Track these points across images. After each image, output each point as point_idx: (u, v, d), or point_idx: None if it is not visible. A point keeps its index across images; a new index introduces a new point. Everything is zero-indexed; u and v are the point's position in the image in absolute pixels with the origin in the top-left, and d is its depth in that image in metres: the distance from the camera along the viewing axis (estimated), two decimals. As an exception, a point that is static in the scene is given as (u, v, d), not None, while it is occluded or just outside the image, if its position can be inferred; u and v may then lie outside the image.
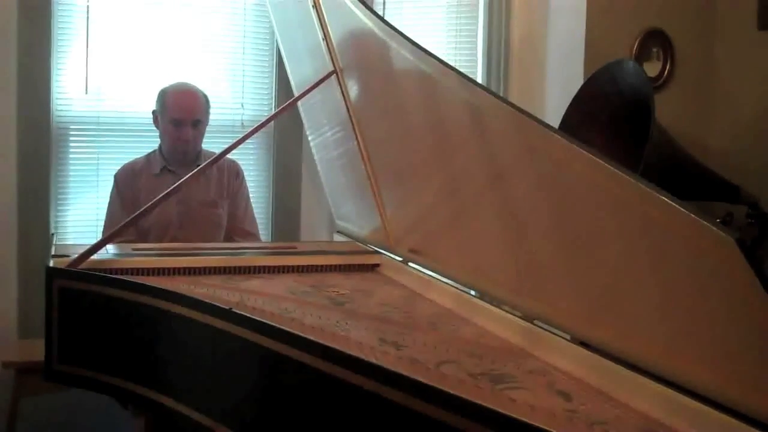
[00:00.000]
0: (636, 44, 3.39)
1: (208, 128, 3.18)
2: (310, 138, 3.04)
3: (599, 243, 1.60)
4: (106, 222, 3.06)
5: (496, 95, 1.89)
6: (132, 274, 2.26)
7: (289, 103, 2.65)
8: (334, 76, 2.55)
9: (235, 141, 2.49)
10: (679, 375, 1.38)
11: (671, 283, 1.40)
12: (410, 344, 1.75)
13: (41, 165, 3.50)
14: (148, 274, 2.29)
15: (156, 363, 2.02)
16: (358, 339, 1.75)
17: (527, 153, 1.75)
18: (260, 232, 3.37)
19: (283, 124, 3.73)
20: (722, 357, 1.30)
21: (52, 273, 2.20)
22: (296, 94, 2.96)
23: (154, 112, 3.07)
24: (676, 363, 1.41)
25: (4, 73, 3.41)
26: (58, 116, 3.53)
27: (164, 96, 3.03)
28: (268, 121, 2.63)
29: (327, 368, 1.47)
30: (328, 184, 3.02)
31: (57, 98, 3.52)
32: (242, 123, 3.73)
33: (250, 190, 3.36)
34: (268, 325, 1.66)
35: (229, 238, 3.12)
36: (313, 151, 3.04)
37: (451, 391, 1.24)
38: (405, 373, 1.33)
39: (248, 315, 1.73)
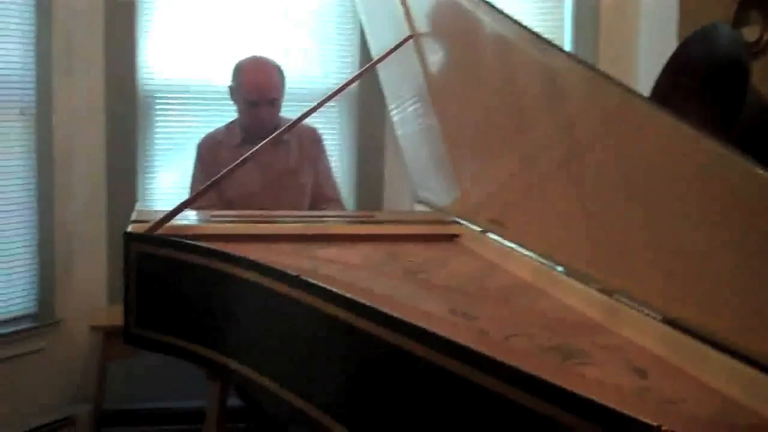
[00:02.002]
0: (734, 8, 3.21)
1: (293, 98, 3.18)
2: (392, 114, 2.99)
3: (684, 216, 1.51)
4: (190, 191, 3.08)
5: (578, 59, 1.79)
6: (208, 240, 2.25)
7: (365, 69, 2.61)
8: (411, 42, 2.48)
9: (309, 108, 2.46)
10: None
11: (761, 259, 1.31)
12: (481, 316, 1.69)
13: (128, 134, 3.58)
14: (224, 241, 2.28)
15: (223, 327, 2.03)
16: (427, 309, 1.71)
17: (610, 121, 1.67)
18: (343, 201, 3.36)
19: (366, 94, 3.71)
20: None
21: (130, 237, 2.22)
22: (373, 50, 2.92)
23: (230, 87, 3.06)
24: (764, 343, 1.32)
25: (91, 43, 3.48)
26: (144, 85, 3.58)
27: (239, 74, 3.01)
28: (343, 87, 2.57)
29: (385, 335, 1.45)
30: (408, 155, 2.97)
31: (143, 67, 3.57)
32: (325, 94, 3.70)
33: (333, 159, 3.35)
34: (331, 291, 1.63)
35: (313, 206, 3.11)
36: (395, 126, 2.99)
37: (508, 363, 1.19)
38: (463, 343, 1.28)
39: (313, 281, 1.70)
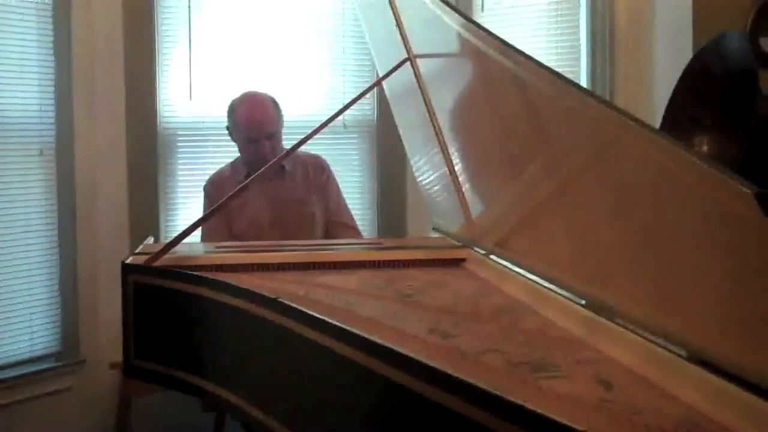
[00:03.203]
0: (751, 17, 3.12)
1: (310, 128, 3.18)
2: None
3: (676, 235, 1.44)
4: (201, 229, 3.06)
5: (577, 86, 1.71)
6: (207, 270, 2.24)
7: (362, 93, 2.60)
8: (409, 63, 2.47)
9: (304, 136, 2.46)
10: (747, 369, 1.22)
11: (745, 275, 1.24)
12: (461, 334, 1.64)
13: (150, 171, 3.62)
14: (225, 271, 2.26)
15: (213, 355, 2.01)
16: (404, 328, 1.67)
17: (607, 145, 1.60)
18: (366, 230, 3.32)
19: (386, 124, 3.69)
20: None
21: (127, 269, 2.22)
22: (387, 93, 2.90)
23: (227, 127, 3.05)
24: (749, 357, 1.24)
25: (111, 82, 3.55)
26: (165, 123, 3.62)
27: (234, 113, 3.01)
28: (338, 114, 2.54)
29: (347, 353, 1.43)
30: (424, 188, 2.95)
31: (163, 105, 3.62)
32: (344, 123, 3.70)
33: (355, 190, 3.31)
34: (303, 312, 1.61)
35: (328, 234, 3.08)
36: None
37: (452, 373, 1.14)
38: (406, 353, 1.25)
39: (288, 303, 1.68)
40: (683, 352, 1.40)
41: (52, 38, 3.37)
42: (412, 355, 1.26)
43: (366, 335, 1.40)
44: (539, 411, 1.01)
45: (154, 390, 3.08)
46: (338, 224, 3.09)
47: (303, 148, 2.94)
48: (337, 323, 1.49)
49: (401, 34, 2.48)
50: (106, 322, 3.56)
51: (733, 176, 1.18)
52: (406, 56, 2.47)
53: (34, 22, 3.32)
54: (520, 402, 1.02)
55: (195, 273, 2.10)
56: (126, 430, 3.36)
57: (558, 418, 0.97)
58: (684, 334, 1.39)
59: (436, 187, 2.78)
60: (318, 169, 3.10)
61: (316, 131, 2.45)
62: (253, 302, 1.83)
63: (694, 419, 1.18)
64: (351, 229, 3.12)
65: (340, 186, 3.19)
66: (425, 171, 2.83)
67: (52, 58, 3.38)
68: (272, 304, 1.74)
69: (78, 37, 3.43)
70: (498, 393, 1.06)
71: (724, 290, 1.31)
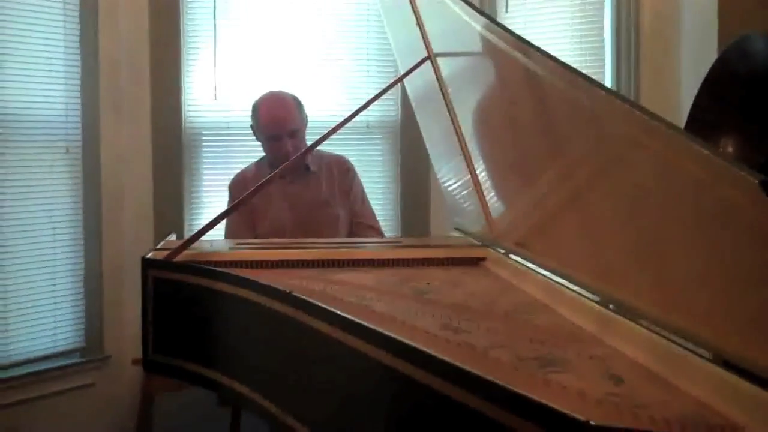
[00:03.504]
0: (776, 19, 3.10)
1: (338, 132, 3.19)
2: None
3: (692, 231, 1.43)
4: (225, 230, 3.07)
5: (598, 85, 1.69)
6: (227, 266, 2.24)
7: (380, 93, 2.58)
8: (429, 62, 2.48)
9: (323, 135, 2.46)
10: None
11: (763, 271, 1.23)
12: (473, 330, 1.64)
13: (175, 170, 3.64)
14: (243, 267, 2.28)
15: (228, 349, 2.02)
16: (418, 324, 1.67)
17: (626, 145, 1.58)
18: (389, 230, 3.32)
19: (409, 124, 3.69)
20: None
21: (147, 264, 2.24)
22: (410, 94, 2.90)
23: (251, 126, 3.08)
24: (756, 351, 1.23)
25: (138, 82, 3.58)
26: (190, 122, 3.65)
27: (256, 112, 3.04)
28: (357, 113, 2.51)
29: (356, 344, 1.44)
30: (446, 189, 2.95)
31: (188, 105, 3.65)
32: (367, 124, 3.71)
33: (377, 189, 3.31)
34: (318, 306, 1.61)
35: (352, 235, 3.09)
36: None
37: (457, 364, 1.14)
38: (413, 344, 1.25)
39: (302, 297, 1.69)
40: (700, 350, 1.39)
41: (78, 37, 3.42)
42: (416, 345, 1.26)
43: (376, 328, 1.40)
44: (538, 399, 1.01)
45: (177, 386, 3.10)
46: (362, 225, 3.10)
47: (328, 148, 2.97)
48: (349, 316, 1.49)
49: (422, 33, 2.49)
50: (130, 318, 3.57)
51: (747, 170, 1.17)
52: (426, 55, 2.47)
53: (61, 21, 3.37)
54: (520, 391, 1.02)
55: (212, 268, 2.11)
56: (148, 426, 3.38)
57: (558, 407, 0.97)
58: (700, 331, 1.38)
59: (458, 189, 2.78)
60: (343, 169, 3.11)
61: (334, 130, 2.46)
62: (267, 296, 1.84)
63: (701, 413, 1.17)
64: (374, 230, 3.12)
65: (364, 186, 3.20)
66: (448, 174, 2.83)
67: (79, 57, 3.42)
68: (286, 298, 1.75)
69: (104, 36, 3.47)
70: (498, 382, 1.06)
71: (741, 288, 1.30)
